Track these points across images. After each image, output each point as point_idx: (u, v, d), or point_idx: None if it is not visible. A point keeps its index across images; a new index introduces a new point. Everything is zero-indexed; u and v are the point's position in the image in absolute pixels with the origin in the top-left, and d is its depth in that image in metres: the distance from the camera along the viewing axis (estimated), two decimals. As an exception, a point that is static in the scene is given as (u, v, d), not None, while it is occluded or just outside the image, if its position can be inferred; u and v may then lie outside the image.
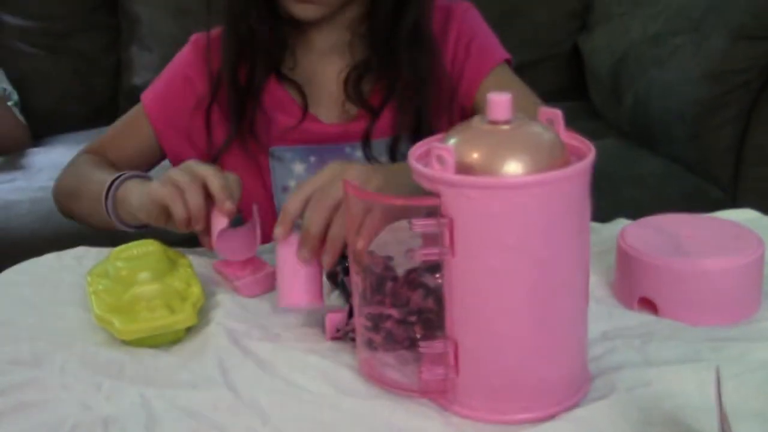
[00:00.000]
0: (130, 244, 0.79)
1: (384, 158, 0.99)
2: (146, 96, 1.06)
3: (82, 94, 2.21)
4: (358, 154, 1.00)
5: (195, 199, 0.76)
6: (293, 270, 0.70)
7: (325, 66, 1.02)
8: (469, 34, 1.02)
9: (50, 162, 1.87)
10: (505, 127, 0.57)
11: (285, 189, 1.02)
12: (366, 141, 0.99)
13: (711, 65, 1.41)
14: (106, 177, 0.92)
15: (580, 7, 2.04)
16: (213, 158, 1.02)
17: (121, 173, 0.91)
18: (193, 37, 1.06)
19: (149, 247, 0.79)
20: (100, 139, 1.09)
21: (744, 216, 0.88)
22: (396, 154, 0.98)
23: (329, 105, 1.01)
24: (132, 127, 1.07)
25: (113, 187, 0.90)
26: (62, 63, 2.20)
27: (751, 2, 1.38)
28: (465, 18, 1.03)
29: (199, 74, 1.02)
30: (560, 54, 2.06)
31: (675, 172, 1.51)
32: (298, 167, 1.01)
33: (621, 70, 1.70)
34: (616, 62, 1.73)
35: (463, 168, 0.55)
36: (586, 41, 1.97)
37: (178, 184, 0.77)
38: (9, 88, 2.04)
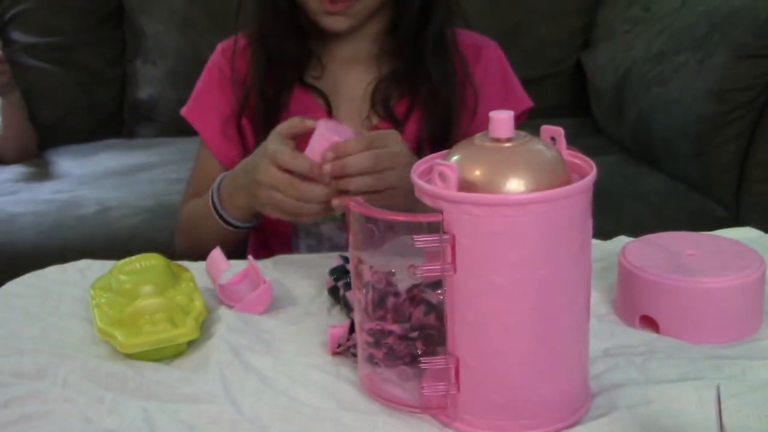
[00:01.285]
0: (132, 258, 0.80)
1: None
2: (203, 130, 1.07)
3: (87, 107, 2.22)
4: None
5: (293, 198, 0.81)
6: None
7: (349, 76, 1.05)
8: (501, 74, 1.06)
9: (54, 174, 1.88)
10: (508, 144, 0.57)
11: None
12: None
13: (714, 83, 1.42)
14: (207, 194, 0.96)
15: (583, 25, 2.05)
16: None
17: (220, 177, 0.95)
18: (220, 47, 1.08)
19: (152, 260, 0.79)
20: (186, 190, 1.10)
21: (745, 234, 0.88)
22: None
23: (352, 114, 1.03)
24: (203, 162, 1.08)
25: (215, 190, 0.94)
26: (68, 76, 2.21)
27: (753, 21, 1.39)
28: (495, 60, 1.06)
29: (228, 82, 1.05)
30: (564, 71, 2.07)
31: (677, 190, 1.51)
32: None
33: (624, 87, 1.71)
34: (618, 79, 1.74)
35: (466, 185, 0.55)
36: (589, 58, 1.98)
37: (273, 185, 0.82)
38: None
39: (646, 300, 0.71)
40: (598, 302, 0.76)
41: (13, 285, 0.86)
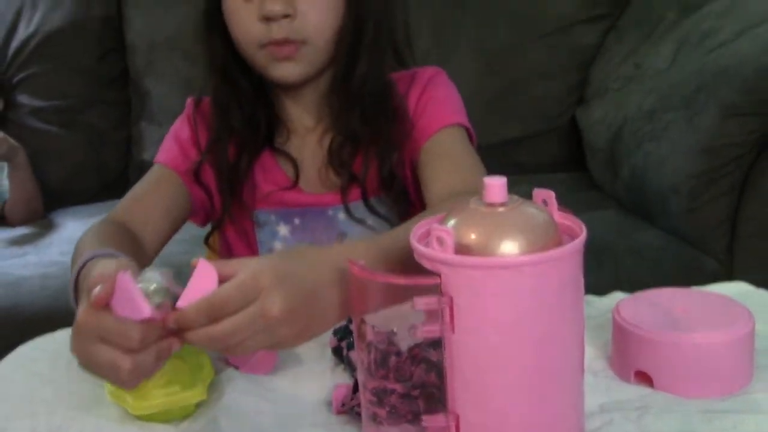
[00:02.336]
0: (142, 320, 0.82)
1: (370, 220, 1.03)
2: (161, 157, 1.07)
3: (93, 168, 2.26)
4: (341, 215, 1.04)
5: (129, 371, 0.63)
6: None
7: (310, 141, 1.06)
8: (430, 94, 1.04)
9: (61, 236, 1.90)
10: (501, 209, 0.60)
11: (271, 251, 1.05)
12: (346, 206, 1.03)
13: (703, 140, 1.45)
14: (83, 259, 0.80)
15: (578, 82, 2.09)
16: (215, 225, 1.08)
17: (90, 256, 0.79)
18: (190, 100, 1.11)
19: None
20: (120, 206, 1.01)
21: (737, 289, 0.90)
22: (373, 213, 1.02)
23: (314, 178, 1.05)
24: (157, 186, 1.05)
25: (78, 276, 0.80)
26: (74, 138, 2.25)
27: (741, 80, 1.42)
28: (430, 80, 1.06)
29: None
30: (559, 127, 2.10)
31: (672, 244, 1.53)
32: (283, 229, 1.05)
33: (617, 143, 1.74)
34: (612, 136, 1.77)
35: (462, 248, 0.58)
36: (584, 115, 2.02)
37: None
38: None
39: (640, 355, 0.73)
40: (594, 358, 0.78)
41: (24, 348, 0.88)
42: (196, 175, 1.04)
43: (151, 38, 2.26)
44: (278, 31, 0.95)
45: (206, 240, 1.14)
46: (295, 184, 1.04)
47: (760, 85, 1.40)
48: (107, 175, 2.27)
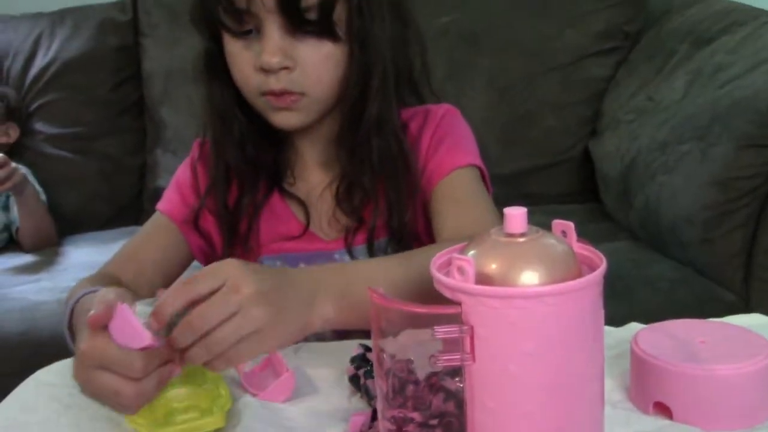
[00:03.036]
0: (160, 346, 0.82)
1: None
2: (161, 204, 1.07)
3: (107, 195, 2.28)
4: (347, 259, 1.02)
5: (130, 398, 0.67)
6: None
7: (318, 182, 1.04)
8: (443, 134, 1.02)
9: (75, 262, 1.92)
10: (521, 239, 0.60)
11: None
12: (350, 250, 1.01)
13: (718, 172, 1.45)
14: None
15: (590, 114, 2.11)
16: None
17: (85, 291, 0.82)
18: (195, 143, 1.09)
19: (178, 349, 0.82)
20: (114, 259, 1.02)
21: (754, 321, 0.90)
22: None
23: (322, 224, 1.03)
24: (154, 236, 1.05)
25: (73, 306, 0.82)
26: (89, 165, 2.28)
27: (755, 112, 1.43)
28: (442, 119, 1.04)
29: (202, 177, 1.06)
30: (572, 158, 2.12)
31: (686, 276, 1.52)
32: None
33: (630, 175, 1.75)
34: (625, 167, 1.78)
35: (483, 278, 0.58)
36: (597, 146, 2.02)
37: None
38: (38, 188, 2.11)
39: (659, 387, 0.73)
40: (613, 389, 0.78)
41: (42, 373, 0.88)
42: (195, 222, 1.03)
43: (166, 67, 2.29)
44: (276, 82, 0.92)
45: None
46: (305, 231, 1.02)
47: (774, 117, 1.41)
48: (121, 202, 2.29)
